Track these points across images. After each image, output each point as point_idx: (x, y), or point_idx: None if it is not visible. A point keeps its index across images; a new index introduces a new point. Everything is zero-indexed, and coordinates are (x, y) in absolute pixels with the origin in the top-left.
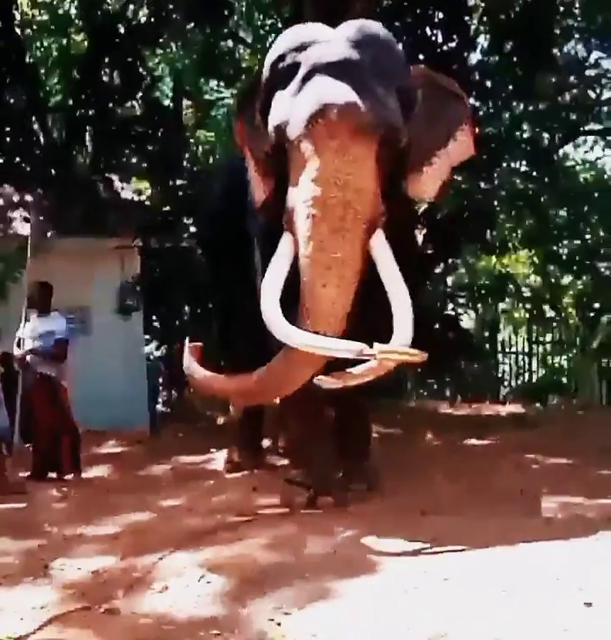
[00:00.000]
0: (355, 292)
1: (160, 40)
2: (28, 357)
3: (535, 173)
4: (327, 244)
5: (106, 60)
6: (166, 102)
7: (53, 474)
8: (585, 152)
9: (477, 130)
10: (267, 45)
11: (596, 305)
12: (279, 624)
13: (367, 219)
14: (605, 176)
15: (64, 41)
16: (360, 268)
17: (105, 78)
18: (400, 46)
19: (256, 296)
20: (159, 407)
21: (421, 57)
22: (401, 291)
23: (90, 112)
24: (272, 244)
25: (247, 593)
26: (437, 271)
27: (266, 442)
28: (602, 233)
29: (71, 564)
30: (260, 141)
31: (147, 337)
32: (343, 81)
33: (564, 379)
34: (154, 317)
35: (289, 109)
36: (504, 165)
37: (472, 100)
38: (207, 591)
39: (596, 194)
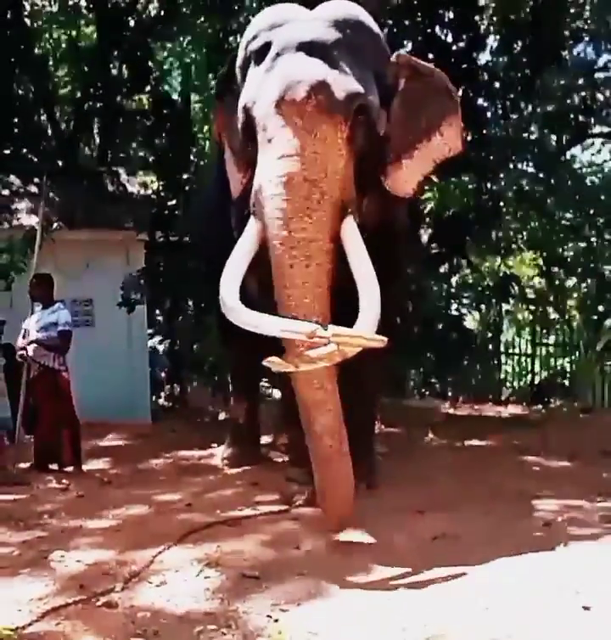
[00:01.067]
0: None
1: (169, 34)
2: (31, 348)
3: (541, 175)
4: (292, 223)
5: (115, 53)
6: (174, 96)
7: (54, 466)
8: (593, 155)
9: (465, 126)
10: None
11: (600, 308)
12: (277, 620)
13: (335, 201)
14: None
15: (74, 33)
16: (330, 249)
17: (114, 71)
18: (379, 29)
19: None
20: (161, 400)
21: (430, 56)
22: (370, 279)
23: (98, 105)
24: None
25: (245, 589)
26: (442, 270)
27: (266, 438)
28: (607, 237)
29: (70, 556)
30: (236, 128)
31: (150, 331)
32: (313, 60)
33: (566, 382)
34: (157, 311)
35: (258, 88)
36: (511, 166)
37: (480, 100)
38: (205, 586)
39: (602, 197)
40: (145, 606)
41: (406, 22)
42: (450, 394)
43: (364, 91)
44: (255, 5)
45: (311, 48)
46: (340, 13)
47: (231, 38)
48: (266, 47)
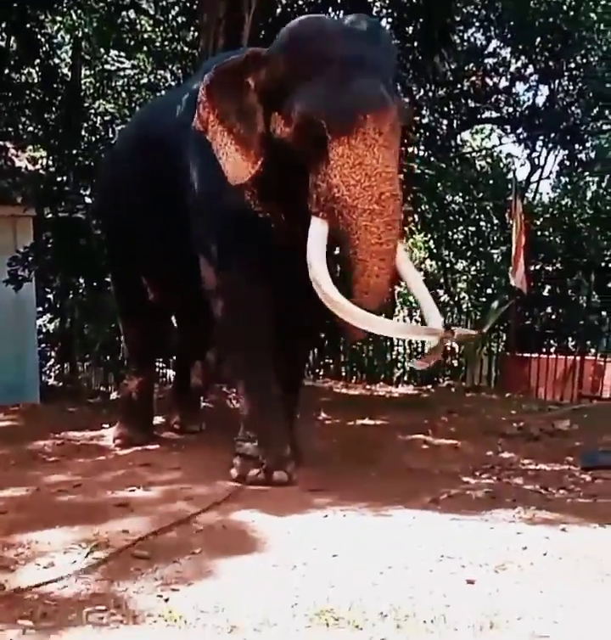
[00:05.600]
0: None
1: (60, 6)
2: None
3: (432, 159)
4: (383, 236)
5: (2, 25)
6: (65, 70)
7: None
8: (483, 139)
9: None
10: (170, 16)
11: (488, 290)
12: (167, 600)
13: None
14: (500, 165)
15: None
16: None
17: (1, 43)
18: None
19: (190, 273)
20: (51, 381)
21: None
22: (421, 283)
23: None
24: (245, 223)
25: (135, 569)
26: (336, 252)
27: (159, 418)
28: (495, 220)
29: None
30: (252, 121)
31: (40, 309)
32: (376, 80)
33: (455, 362)
34: (47, 290)
35: (330, 102)
36: (402, 149)
37: None
38: (94, 567)
39: (490, 182)
40: (32, 589)
41: (300, 2)
42: (343, 374)
43: (406, 108)
44: None
45: (371, 67)
46: (374, 29)
47: (123, 13)
48: (322, 60)
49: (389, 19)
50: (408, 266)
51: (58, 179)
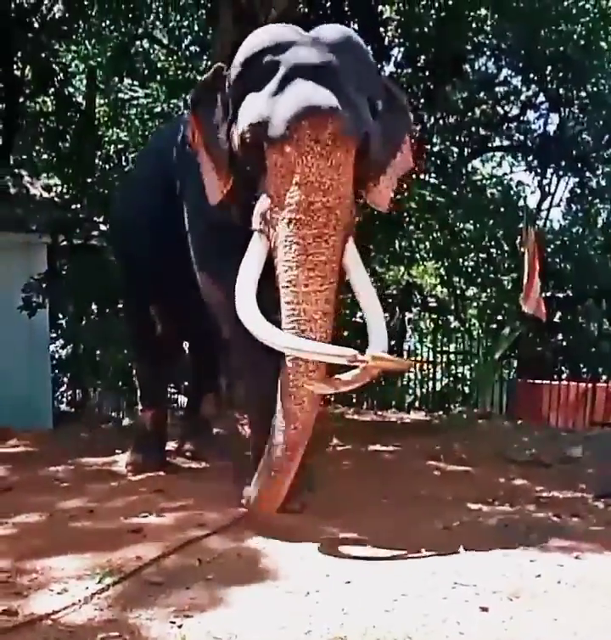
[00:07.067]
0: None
1: (75, 36)
2: None
3: (443, 186)
4: (310, 247)
5: (19, 54)
6: (79, 98)
7: None
8: (493, 167)
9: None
10: (183, 46)
11: (499, 317)
12: (180, 626)
13: (345, 225)
14: (511, 192)
15: None
16: (338, 272)
17: (17, 72)
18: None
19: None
20: (63, 406)
21: None
22: (374, 300)
23: (1, 106)
24: (223, 243)
25: (148, 596)
26: (347, 279)
27: (171, 444)
28: (506, 248)
29: None
30: (220, 139)
31: (53, 335)
32: (325, 86)
33: (467, 389)
34: (60, 316)
35: (268, 109)
36: (414, 176)
37: None
38: (108, 593)
39: (501, 210)
40: (46, 614)
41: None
42: (354, 400)
43: (366, 118)
44: (161, 11)
45: (321, 74)
46: (340, 38)
47: (136, 43)
48: (272, 68)
49: (401, 49)
50: (358, 273)
51: (73, 207)
